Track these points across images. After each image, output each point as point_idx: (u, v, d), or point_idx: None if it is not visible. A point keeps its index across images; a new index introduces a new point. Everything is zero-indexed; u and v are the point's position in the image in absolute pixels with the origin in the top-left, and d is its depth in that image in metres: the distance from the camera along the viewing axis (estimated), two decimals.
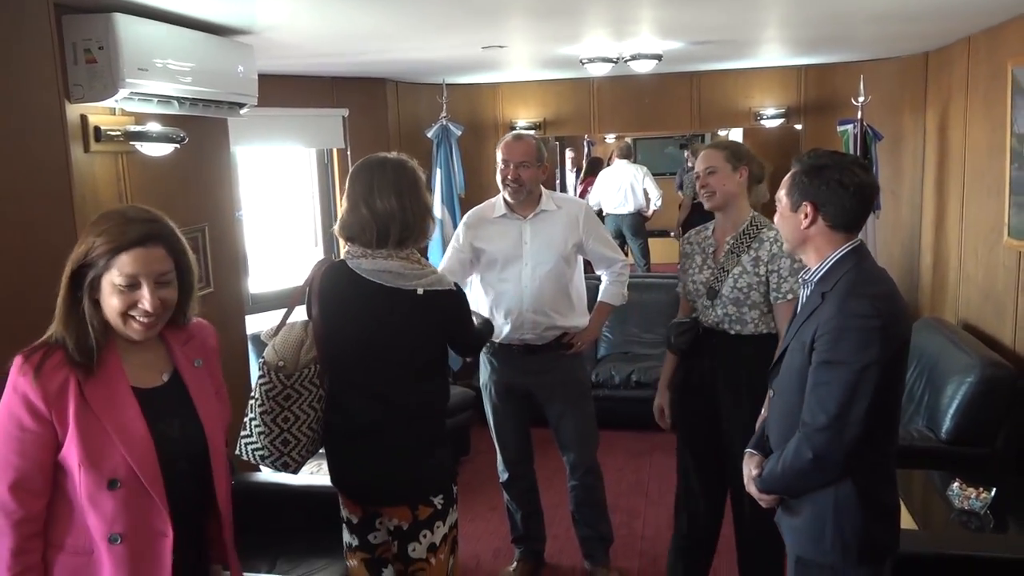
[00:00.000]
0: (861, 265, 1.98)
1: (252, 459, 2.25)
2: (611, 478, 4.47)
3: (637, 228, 7.33)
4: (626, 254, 7.44)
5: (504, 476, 3.42)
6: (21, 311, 1.87)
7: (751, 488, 2.08)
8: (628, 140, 7.56)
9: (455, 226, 5.30)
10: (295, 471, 2.25)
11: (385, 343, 2.20)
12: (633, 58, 4.04)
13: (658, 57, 4.06)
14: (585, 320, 3.29)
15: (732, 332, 2.69)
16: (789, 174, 2.00)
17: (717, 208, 2.75)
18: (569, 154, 8.46)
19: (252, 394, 2.21)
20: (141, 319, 1.60)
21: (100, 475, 1.57)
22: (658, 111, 5.54)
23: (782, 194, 2.01)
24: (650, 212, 7.34)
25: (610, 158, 7.64)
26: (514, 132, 3.19)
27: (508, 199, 3.15)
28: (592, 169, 7.98)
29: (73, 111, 2.54)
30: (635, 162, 7.41)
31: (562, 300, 3.20)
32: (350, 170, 2.25)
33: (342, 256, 2.27)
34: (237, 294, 3.42)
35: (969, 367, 3.45)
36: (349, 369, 2.23)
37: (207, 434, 1.71)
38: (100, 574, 1.60)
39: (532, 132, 5.42)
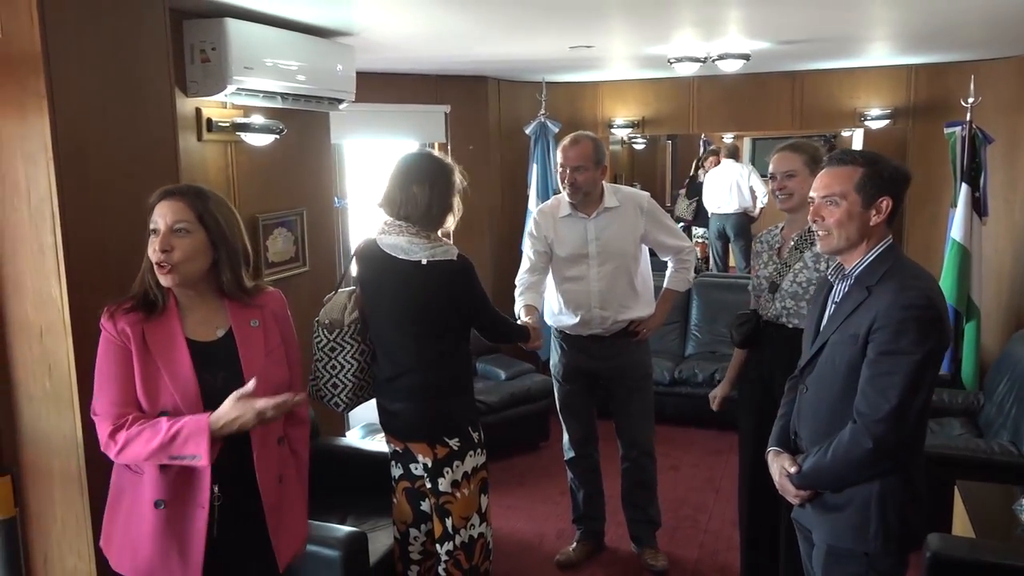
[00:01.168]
0: (901, 259, 2.03)
1: (315, 397, 2.69)
2: (686, 473, 4.56)
3: (741, 228, 7.17)
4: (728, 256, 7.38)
5: (569, 455, 3.57)
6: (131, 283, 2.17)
7: (785, 484, 2.11)
8: (730, 140, 7.45)
9: None
10: (345, 411, 2.74)
11: (397, 305, 2.58)
12: (721, 58, 4.06)
13: (746, 57, 4.07)
14: (651, 309, 3.38)
15: (790, 325, 2.74)
16: (850, 171, 1.97)
17: (792, 210, 2.78)
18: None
19: (312, 348, 2.66)
20: (159, 263, 1.83)
21: (154, 406, 1.84)
22: (758, 111, 5.49)
23: (847, 189, 1.97)
24: (756, 212, 7.20)
25: (711, 158, 7.51)
26: (573, 135, 3.24)
27: (570, 200, 3.25)
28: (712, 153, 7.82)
29: (189, 104, 2.89)
30: (742, 162, 7.31)
31: (629, 294, 3.31)
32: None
33: (375, 235, 2.64)
34: (330, 274, 3.72)
35: None
36: (377, 326, 2.65)
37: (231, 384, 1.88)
38: (151, 490, 1.85)
39: (625, 129, 5.55)
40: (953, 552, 2.34)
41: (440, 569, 2.73)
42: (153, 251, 1.84)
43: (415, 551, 2.80)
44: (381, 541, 2.92)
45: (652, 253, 3.45)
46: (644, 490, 3.52)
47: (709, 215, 7.20)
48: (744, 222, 7.22)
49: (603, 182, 3.28)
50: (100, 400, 1.86)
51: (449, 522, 2.66)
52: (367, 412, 3.86)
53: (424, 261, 2.51)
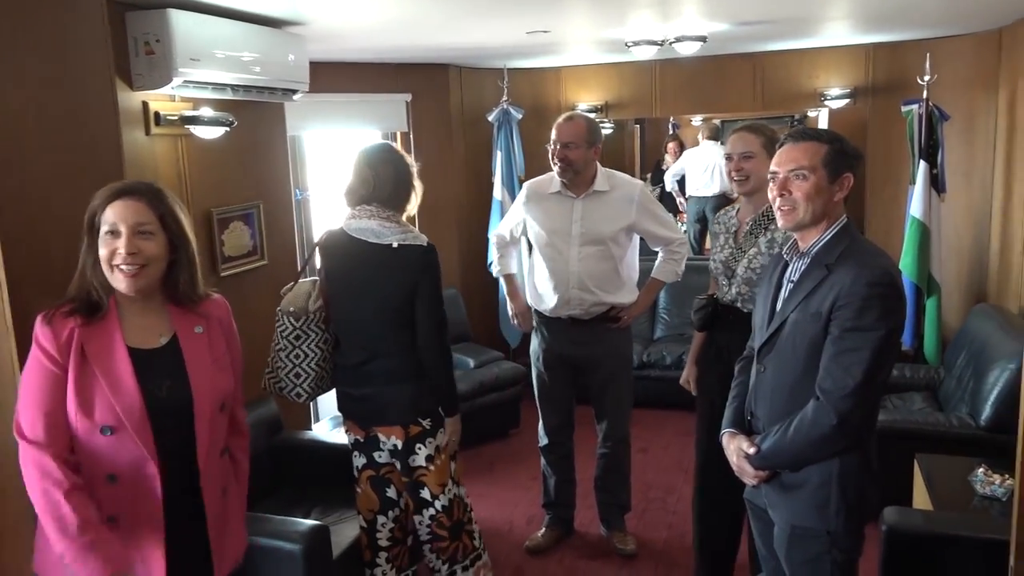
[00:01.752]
0: (857, 238, 2.05)
1: (272, 391, 2.73)
2: (655, 455, 4.59)
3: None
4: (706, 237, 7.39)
5: (544, 441, 3.58)
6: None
7: (743, 465, 2.12)
8: (716, 122, 7.43)
9: None
10: (305, 401, 2.74)
11: (368, 290, 2.59)
12: (678, 40, 4.05)
13: (703, 39, 4.07)
14: (634, 296, 3.38)
15: (745, 310, 2.74)
16: (816, 147, 1.98)
17: (748, 193, 2.77)
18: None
19: (273, 337, 2.68)
20: (122, 267, 1.75)
21: (93, 421, 1.73)
22: (720, 93, 5.49)
23: (815, 164, 1.97)
24: (736, 194, 7.19)
25: (670, 144, 7.48)
26: (568, 113, 3.28)
27: (560, 179, 3.25)
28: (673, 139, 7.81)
29: (135, 98, 2.84)
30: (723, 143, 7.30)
31: (609, 278, 3.30)
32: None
33: (340, 224, 2.65)
34: (290, 267, 3.68)
35: (1014, 353, 3.36)
36: (345, 314, 2.66)
37: (194, 397, 1.83)
38: (103, 506, 1.76)
39: (589, 114, 5.51)
40: (909, 525, 2.37)
41: (424, 534, 2.78)
42: (115, 253, 1.75)
43: (383, 538, 2.81)
44: (346, 533, 2.92)
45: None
46: (617, 475, 3.55)
47: (688, 198, 7.21)
48: (723, 204, 7.22)
49: (598, 165, 3.28)
50: (25, 419, 1.75)
51: (426, 491, 2.72)
52: (333, 404, 3.85)
53: (395, 244, 2.56)
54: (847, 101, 5.21)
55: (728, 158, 2.79)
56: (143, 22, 2.74)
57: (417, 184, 2.69)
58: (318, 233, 4.79)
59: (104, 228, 1.76)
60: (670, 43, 4.14)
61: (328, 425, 4.68)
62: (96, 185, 1.97)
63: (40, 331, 1.77)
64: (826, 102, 5.27)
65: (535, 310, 3.45)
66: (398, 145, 2.76)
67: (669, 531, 3.74)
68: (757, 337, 2.18)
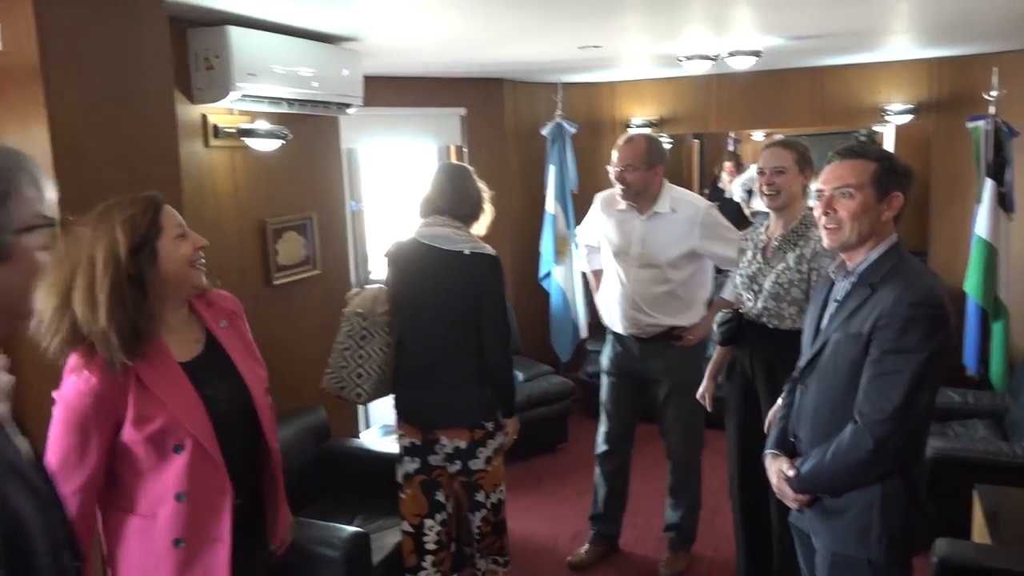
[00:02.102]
0: (906, 257, 1.99)
1: (333, 391, 2.80)
2: (705, 475, 4.50)
3: None
4: None
5: (601, 448, 3.56)
6: None
7: (784, 488, 2.07)
8: (780, 136, 7.30)
9: (567, 221, 5.46)
10: (364, 402, 2.83)
11: (439, 295, 2.70)
12: (731, 55, 4.01)
13: (757, 54, 4.01)
14: (698, 317, 3.34)
15: (771, 326, 2.71)
16: (864, 164, 1.94)
17: (778, 208, 2.75)
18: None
19: (336, 339, 2.77)
20: (199, 262, 1.80)
21: (165, 444, 1.72)
22: (778, 107, 5.40)
23: (863, 182, 1.92)
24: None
25: (727, 163, 7.34)
26: (627, 134, 3.30)
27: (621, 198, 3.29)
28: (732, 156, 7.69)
29: (195, 111, 2.94)
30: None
31: (665, 301, 3.29)
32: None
33: (412, 235, 2.81)
34: (343, 276, 3.75)
35: None
36: (414, 318, 2.75)
37: (250, 389, 1.87)
38: (167, 530, 1.74)
39: (644, 129, 5.50)
40: (961, 557, 2.28)
41: (475, 530, 2.87)
42: (194, 250, 1.79)
43: (430, 541, 2.86)
44: (387, 540, 2.95)
45: None
46: (675, 497, 3.54)
47: (754, 214, 7.07)
48: None
49: (665, 183, 3.27)
50: (71, 482, 1.67)
51: (480, 493, 2.82)
52: (384, 412, 3.90)
53: (467, 251, 2.69)
54: (910, 117, 5.07)
55: (760, 172, 2.77)
56: (203, 38, 2.84)
57: (488, 208, 2.85)
58: (373, 244, 4.91)
59: (175, 231, 1.76)
60: (723, 58, 4.10)
61: (378, 433, 4.73)
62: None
63: (87, 377, 1.68)
64: (888, 118, 5.13)
65: (609, 326, 3.50)
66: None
67: (715, 552, 3.67)
68: (802, 357, 2.13)
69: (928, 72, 5.04)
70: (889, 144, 6.31)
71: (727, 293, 3.32)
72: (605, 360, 3.53)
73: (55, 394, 1.73)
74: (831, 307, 2.06)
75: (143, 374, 1.71)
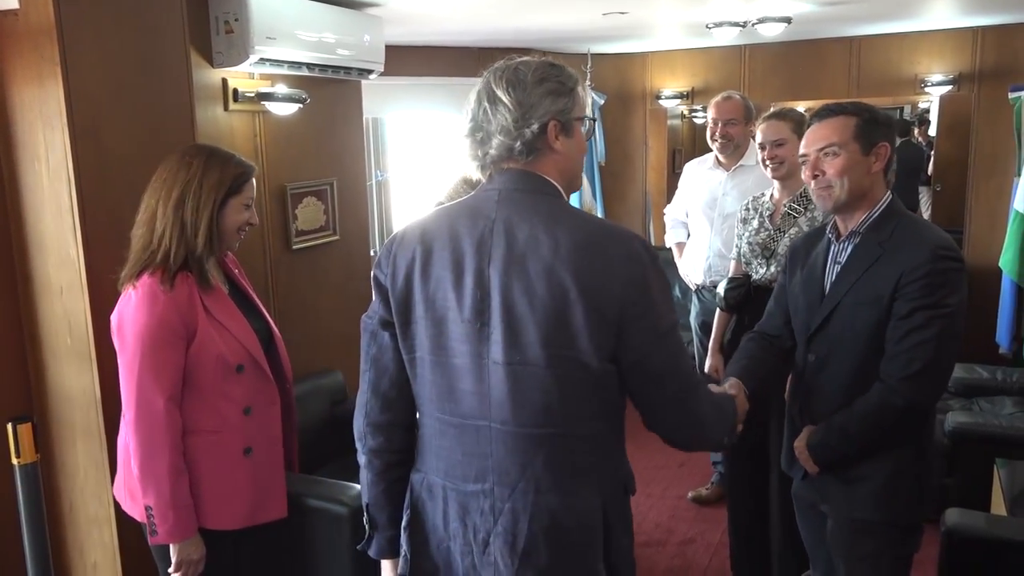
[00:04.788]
0: (906, 213, 1.97)
1: None
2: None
3: None
4: None
5: None
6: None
7: (804, 457, 2.02)
8: (775, 107, 7.15)
9: (594, 193, 5.43)
10: None
11: None
12: (760, 21, 3.92)
13: (787, 20, 3.92)
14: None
15: None
16: (843, 120, 1.90)
17: (783, 178, 2.78)
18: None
19: None
20: (243, 232, 2.10)
21: (229, 364, 2.00)
22: (812, 78, 5.28)
23: (846, 138, 1.89)
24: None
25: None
26: (725, 92, 3.51)
27: (718, 155, 3.51)
28: None
29: (215, 75, 2.97)
30: None
31: None
32: None
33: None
34: (363, 243, 3.78)
35: None
36: None
37: (270, 322, 2.20)
38: (237, 441, 2.04)
39: (674, 100, 5.44)
40: (970, 527, 2.23)
41: None
42: (247, 223, 2.09)
43: None
44: None
45: None
46: None
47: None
48: None
49: (752, 142, 3.41)
50: (161, 391, 1.93)
51: None
52: None
53: None
54: (950, 87, 4.92)
55: (761, 147, 2.80)
56: (223, 2, 2.86)
57: None
58: (397, 213, 4.94)
59: (246, 200, 2.07)
60: (752, 24, 4.01)
61: None
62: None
63: (163, 300, 1.92)
64: (927, 88, 4.99)
65: (692, 282, 3.72)
66: None
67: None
68: (801, 325, 2.08)
69: (971, 41, 4.88)
70: (933, 117, 6.17)
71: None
72: (693, 319, 3.71)
73: (126, 324, 1.93)
74: (831, 271, 2.01)
75: (207, 303, 2.00)
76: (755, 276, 2.81)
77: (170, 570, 2.00)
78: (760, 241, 2.77)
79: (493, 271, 1.41)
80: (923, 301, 1.80)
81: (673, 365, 1.44)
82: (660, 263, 1.44)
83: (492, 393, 1.43)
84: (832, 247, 2.02)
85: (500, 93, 1.43)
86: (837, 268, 1.99)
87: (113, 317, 1.99)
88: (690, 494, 3.84)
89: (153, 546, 2.04)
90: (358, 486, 2.69)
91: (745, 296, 2.82)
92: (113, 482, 2.17)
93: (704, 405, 1.52)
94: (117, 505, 2.20)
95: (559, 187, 1.48)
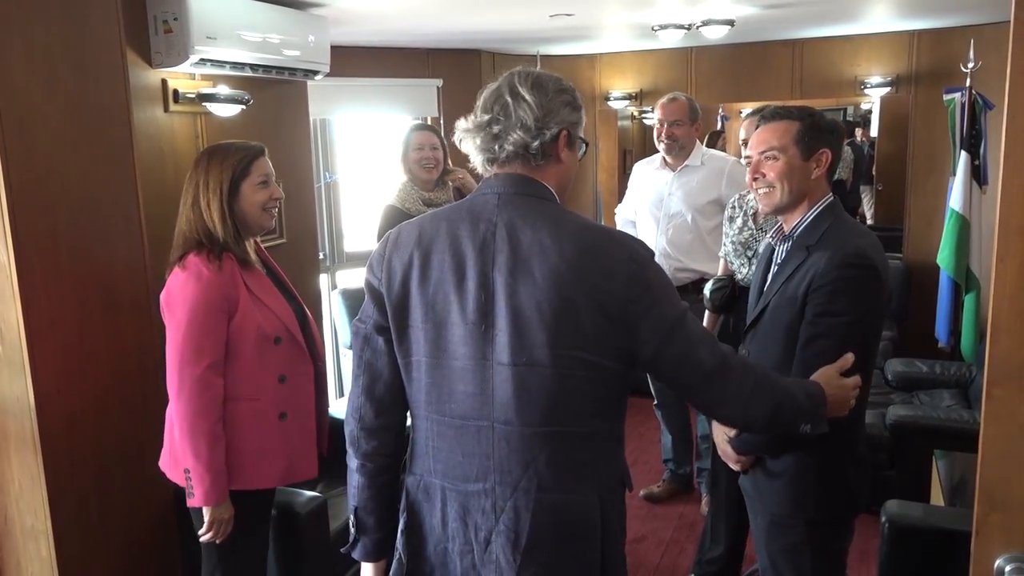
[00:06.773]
0: (841, 216, 1.99)
1: None
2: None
3: None
4: None
5: (659, 398, 3.76)
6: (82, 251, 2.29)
7: (727, 449, 2.07)
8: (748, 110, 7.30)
9: None
10: None
11: None
12: (704, 23, 3.98)
13: (730, 23, 3.98)
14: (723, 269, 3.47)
15: None
16: (786, 125, 1.93)
17: None
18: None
19: None
20: (273, 209, 2.22)
21: (268, 336, 2.16)
22: (757, 80, 5.38)
23: (786, 143, 1.92)
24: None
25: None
26: (669, 95, 3.57)
27: (664, 155, 3.58)
28: (711, 142, 7.78)
29: (155, 76, 2.91)
30: None
31: (696, 248, 3.51)
32: None
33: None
34: (310, 248, 3.74)
35: None
36: None
37: (303, 305, 2.34)
38: (273, 407, 2.18)
39: (622, 101, 5.49)
40: (908, 518, 2.30)
41: None
42: (271, 199, 2.22)
43: None
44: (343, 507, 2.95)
45: None
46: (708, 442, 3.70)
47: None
48: None
49: (697, 142, 3.54)
50: (203, 361, 2.06)
51: None
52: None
53: None
54: (888, 89, 5.06)
55: (744, 144, 2.77)
56: (162, 1, 2.81)
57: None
58: (349, 216, 4.89)
59: (259, 179, 2.19)
60: (697, 27, 4.07)
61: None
62: (105, 158, 2.08)
63: (211, 277, 2.09)
64: (866, 90, 5.12)
65: None
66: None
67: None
68: (748, 320, 2.14)
69: (907, 44, 5.02)
70: (875, 118, 6.33)
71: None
72: None
73: (175, 298, 2.09)
74: (772, 271, 2.06)
75: (248, 282, 2.16)
76: (738, 276, 2.84)
77: (202, 530, 2.15)
78: (743, 240, 2.81)
79: (497, 274, 1.44)
80: (826, 307, 1.83)
81: (691, 350, 1.46)
82: (657, 262, 1.51)
83: (496, 393, 1.46)
84: (777, 248, 2.06)
85: (524, 92, 1.48)
86: (776, 269, 2.04)
87: (162, 295, 2.16)
88: (642, 492, 3.86)
89: (191, 508, 2.20)
90: (308, 492, 2.68)
91: (730, 296, 2.86)
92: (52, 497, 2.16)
93: (741, 382, 1.50)
94: (58, 521, 2.17)
95: (555, 195, 1.54)
